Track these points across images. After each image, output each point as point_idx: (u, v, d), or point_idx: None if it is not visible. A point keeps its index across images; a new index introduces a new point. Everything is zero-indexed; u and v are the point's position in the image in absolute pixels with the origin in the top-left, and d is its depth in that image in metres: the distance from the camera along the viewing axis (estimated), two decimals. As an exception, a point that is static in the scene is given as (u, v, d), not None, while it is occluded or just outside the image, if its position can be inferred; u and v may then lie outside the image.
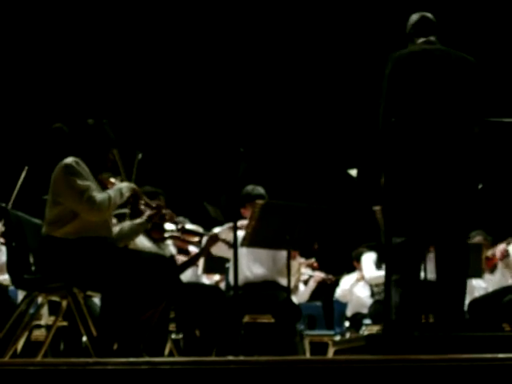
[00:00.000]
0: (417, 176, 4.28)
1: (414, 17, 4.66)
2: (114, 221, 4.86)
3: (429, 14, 4.65)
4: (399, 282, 4.27)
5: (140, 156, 5.11)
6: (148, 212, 4.67)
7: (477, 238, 6.91)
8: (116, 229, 4.61)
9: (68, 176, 4.29)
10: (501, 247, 6.36)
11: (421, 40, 4.56)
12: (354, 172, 4.71)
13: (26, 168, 6.03)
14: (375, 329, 7.24)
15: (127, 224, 4.68)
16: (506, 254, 6.36)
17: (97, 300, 5.24)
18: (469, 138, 4.35)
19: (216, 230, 5.84)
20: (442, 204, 4.31)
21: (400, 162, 4.30)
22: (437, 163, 4.28)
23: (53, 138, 4.61)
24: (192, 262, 6.04)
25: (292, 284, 5.90)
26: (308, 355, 7.08)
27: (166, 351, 5.42)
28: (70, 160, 4.34)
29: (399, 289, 4.25)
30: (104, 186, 4.50)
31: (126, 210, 4.75)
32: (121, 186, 4.48)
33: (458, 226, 4.33)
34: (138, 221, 4.65)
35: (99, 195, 4.31)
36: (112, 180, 4.59)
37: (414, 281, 4.29)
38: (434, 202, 4.30)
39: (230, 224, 5.33)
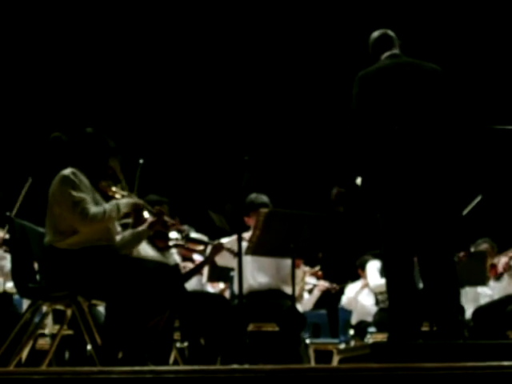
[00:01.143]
0: (399, 187, 4.29)
1: (375, 34, 4.63)
2: (119, 229, 4.86)
3: (389, 31, 4.63)
4: (399, 289, 4.27)
5: (141, 161, 5.09)
6: (150, 219, 4.67)
7: (483, 246, 6.90)
8: (118, 237, 4.61)
9: (64, 187, 4.31)
10: (503, 260, 6.33)
11: (385, 55, 4.54)
12: (358, 180, 4.70)
13: (30, 179, 6.04)
14: (380, 337, 7.23)
15: (129, 232, 4.68)
16: (508, 267, 6.34)
17: (101, 309, 5.24)
18: (447, 144, 4.34)
19: (223, 240, 5.84)
20: (426, 214, 4.30)
21: (383, 174, 4.32)
22: (418, 174, 4.27)
23: (51, 148, 4.61)
24: (196, 270, 6.03)
25: (296, 292, 5.90)
26: (313, 363, 7.07)
27: (171, 360, 5.43)
28: (67, 171, 4.36)
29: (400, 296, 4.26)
30: (105, 195, 4.50)
31: (129, 220, 4.76)
32: (119, 202, 4.47)
33: (442, 237, 4.31)
34: (140, 228, 4.65)
35: (93, 208, 4.31)
36: (113, 189, 4.59)
37: (411, 289, 4.28)
38: (418, 211, 4.29)
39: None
